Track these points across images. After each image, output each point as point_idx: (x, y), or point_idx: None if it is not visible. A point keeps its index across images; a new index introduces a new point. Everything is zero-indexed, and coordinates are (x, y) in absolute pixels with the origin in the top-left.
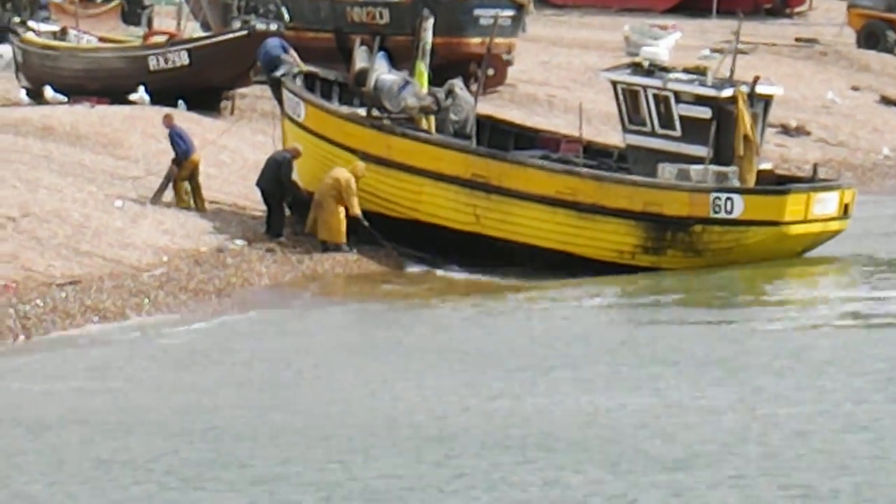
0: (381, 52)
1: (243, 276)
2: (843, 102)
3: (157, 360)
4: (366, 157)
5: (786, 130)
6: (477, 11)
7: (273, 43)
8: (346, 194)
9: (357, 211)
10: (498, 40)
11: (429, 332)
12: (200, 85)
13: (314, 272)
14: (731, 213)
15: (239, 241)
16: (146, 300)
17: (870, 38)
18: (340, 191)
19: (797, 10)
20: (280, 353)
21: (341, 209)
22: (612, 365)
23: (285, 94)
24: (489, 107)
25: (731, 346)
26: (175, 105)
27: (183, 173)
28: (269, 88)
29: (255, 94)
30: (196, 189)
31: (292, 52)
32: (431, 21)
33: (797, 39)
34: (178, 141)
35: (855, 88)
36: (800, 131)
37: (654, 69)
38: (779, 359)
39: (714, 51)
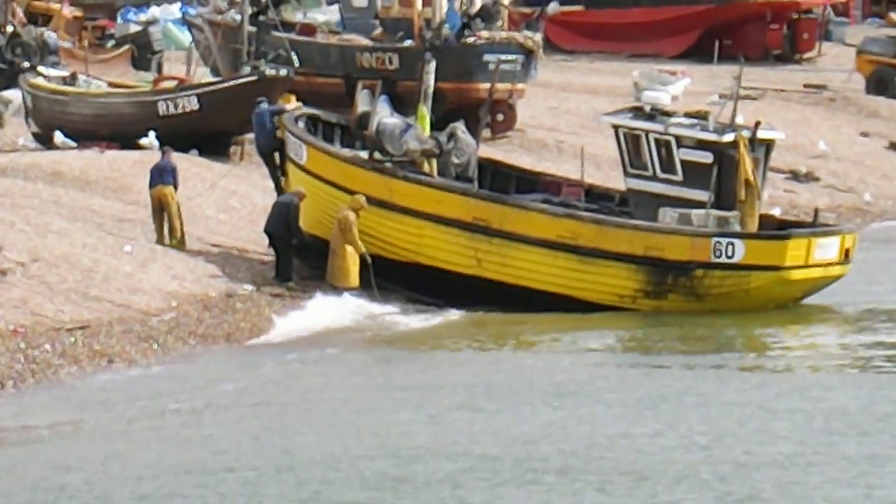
0: (384, 96)
1: (252, 321)
2: (838, 150)
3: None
4: (367, 200)
5: (795, 176)
6: (487, 57)
7: (262, 113)
8: (346, 230)
9: (360, 248)
10: (504, 85)
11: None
12: (210, 130)
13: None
14: (732, 257)
15: (248, 286)
16: (155, 345)
17: (879, 84)
18: (343, 230)
19: (806, 56)
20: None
21: (351, 251)
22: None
23: (287, 136)
24: (498, 152)
25: None
26: (186, 151)
27: (152, 204)
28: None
29: None
30: (170, 224)
31: (286, 108)
32: (433, 65)
33: (806, 85)
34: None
35: (864, 134)
36: (809, 177)
37: (656, 114)
38: None
39: (722, 96)
